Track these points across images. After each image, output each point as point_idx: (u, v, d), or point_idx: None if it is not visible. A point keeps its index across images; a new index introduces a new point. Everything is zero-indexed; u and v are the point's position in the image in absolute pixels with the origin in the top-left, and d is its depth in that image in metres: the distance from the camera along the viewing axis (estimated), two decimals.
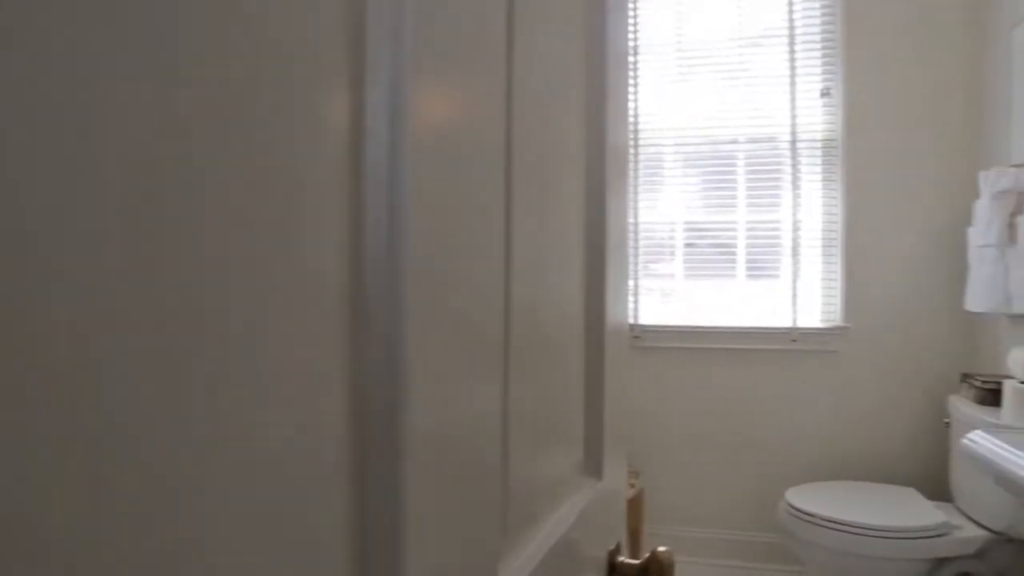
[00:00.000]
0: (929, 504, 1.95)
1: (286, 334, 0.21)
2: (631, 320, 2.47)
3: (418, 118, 0.27)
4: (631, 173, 2.50)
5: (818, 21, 2.37)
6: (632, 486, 2.00)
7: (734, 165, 2.47)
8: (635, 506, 1.98)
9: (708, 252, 2.51)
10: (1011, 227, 1.88)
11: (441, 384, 0.29)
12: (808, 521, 1.87)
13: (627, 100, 0.75)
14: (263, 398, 0.20)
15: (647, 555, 0.56)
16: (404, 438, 0.26)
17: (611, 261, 0.61)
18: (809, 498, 1.96)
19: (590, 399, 0.57)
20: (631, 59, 2.50)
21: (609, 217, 0.60)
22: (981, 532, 1.82)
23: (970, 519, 1.89)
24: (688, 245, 2.52)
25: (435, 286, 0.29)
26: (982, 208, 1.98)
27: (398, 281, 0.25)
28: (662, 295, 2.54)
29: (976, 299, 2.04)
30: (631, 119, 2.49)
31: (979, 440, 1.28)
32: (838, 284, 2.37)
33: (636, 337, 2.46)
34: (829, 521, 1.83)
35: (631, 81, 2.50)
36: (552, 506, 0.48)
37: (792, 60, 2.39)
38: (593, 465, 0.55)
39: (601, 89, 0.58)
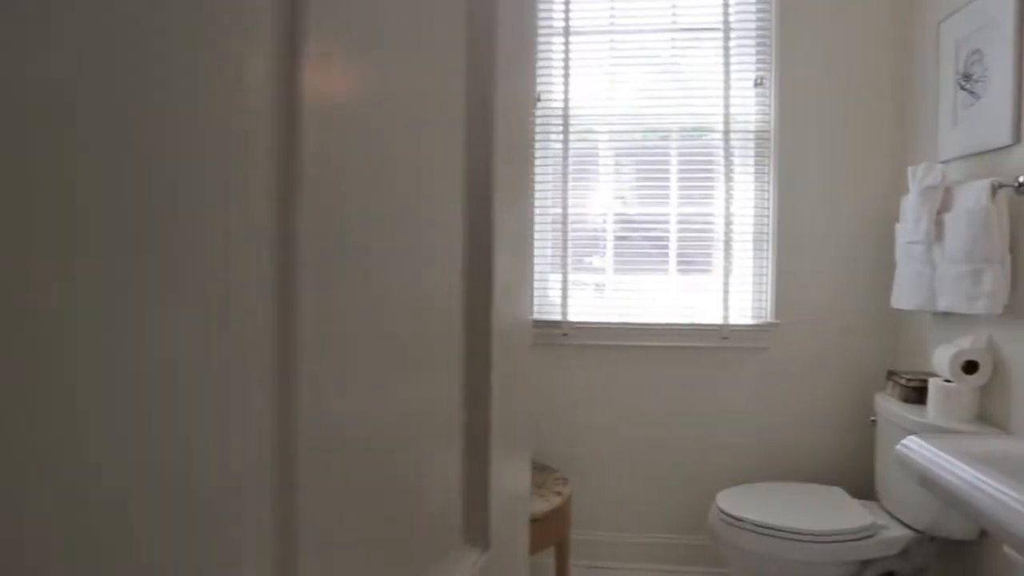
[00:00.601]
0: (856, 504, 1.93)
1: None
2: (559, 317, 2.36)
3: None
4: (562, 164, 2.38)
5: (753, 10, 2.32)
6: (559, 494, 1.89)
7: (667, 156, 2.39)
8: (562, 514, 1.87)
9: (640, 245, 2.42)
10: (938, 224, 1.85)
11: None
12: (738, 527, 1.80)
13: (532, 78, 0.63)
14: None
15: None
16: None
17: (503, 251, 0.47)
18: (740, 502, 1.90)
19: (471, 431, 0.43)
20: (562, 43, 2.38)
21: (498, 202, 0.46)
22: (905, 532, 1.80)
23: (894, 518, 1.87)
24: (620, 238, 2.42)
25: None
26: (910, 204, 1.96)
27: None
28: (596, 288, 2.44)
29: (902, 296, 2.03)
30: (561, 107, 2.37)
31: (913, 446, 1.22)
32: (769, 280, 2.33)
33: (564, 335, 2.35)
34: (759, 526, 1.78)
35: (563, 68, 2.38)
36: None
37: (726, 50, 2.32)
38: (475, 528, 0.41)
39: (489, 55, 0.45)
